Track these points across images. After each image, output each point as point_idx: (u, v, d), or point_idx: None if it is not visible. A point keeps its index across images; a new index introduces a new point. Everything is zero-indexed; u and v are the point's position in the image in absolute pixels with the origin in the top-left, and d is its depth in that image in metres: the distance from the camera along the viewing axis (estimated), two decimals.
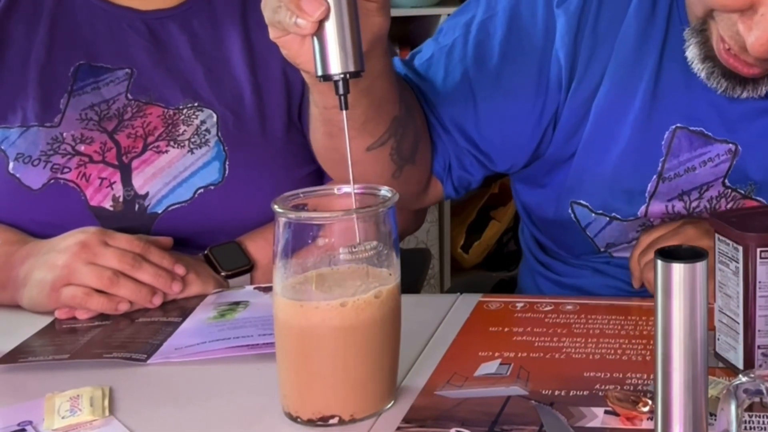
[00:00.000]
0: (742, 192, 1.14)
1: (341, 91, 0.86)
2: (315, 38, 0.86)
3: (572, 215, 1.19)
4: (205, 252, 1.19)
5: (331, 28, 0.85)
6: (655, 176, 1.14)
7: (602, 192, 1.16)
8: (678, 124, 1.14)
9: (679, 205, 1.15)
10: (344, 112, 0.87)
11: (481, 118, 1.17)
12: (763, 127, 1.13)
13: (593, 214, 1.17)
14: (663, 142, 1.14)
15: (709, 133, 1.13)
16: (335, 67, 0.86)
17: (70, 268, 1.08)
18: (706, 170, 1.14)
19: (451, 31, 1.22)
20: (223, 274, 1.17)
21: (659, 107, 1.14)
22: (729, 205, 1.14)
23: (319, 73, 0.87)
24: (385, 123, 1.08)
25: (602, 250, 1.22)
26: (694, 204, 1.14)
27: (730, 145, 1.13)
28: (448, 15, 3.02)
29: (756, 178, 1.14)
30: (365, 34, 0.90)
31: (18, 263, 1.13)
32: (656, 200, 1.15)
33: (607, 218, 1.17)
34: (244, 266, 1.19)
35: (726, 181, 1.14)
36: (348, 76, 0.86)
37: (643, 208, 1.15)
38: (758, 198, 1.14)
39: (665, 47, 1.13)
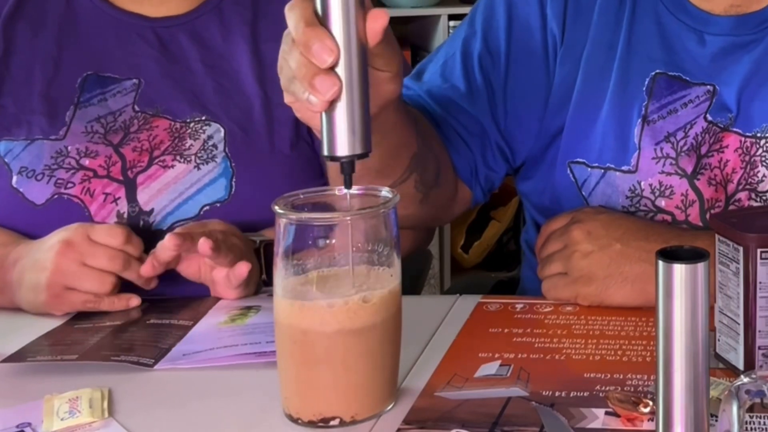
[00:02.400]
0: (721, 126, 1.17)
1: (347, 172, 0.85)
2: (324, 115, 0.84)
3: (571, 176, 1.21)
4: (257, 245, 1.16)
5: (341, 108, 0.84)
6: (639, 120, 1.19)
7: (595, 144, 1.20)
8: (657, 71, 1.20)
9: (667, 147, 1.17)
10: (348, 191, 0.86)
11: (501, 109, 1.23)
12: (734, 63, 1.18)
13: (589, 169, 1.20)
14: (644, 88, 1.19)
15: (687, 78, 1.19)
16: (342, 150, 0.84)
17: (62, 269, 1.08)
18: (688, 110, 1.18)
19: (458, 34, 1.28)
20: (264, 278, 1.16)
21: (636, 58, 1.20)
22: (711, 141, 1.17)
23: (326, 153, 0.85)
24: (404, 164, 1.10)
25: None
26: (681, 143, 1.17)
27: (708, 86, 1.18)
28: (448, 15, 3.05)
29: (734, 109, 1.17)
30: (377, 99, 0.90)
31: (11, 266, 1.13)
32: (645, 144, 1.18)
33: (602, 170, 1.19)
34: None
35: (707, 115, 1.18)
36: (355, 158, 0.85)
37: (635, 156, 1.18)
38: (736, 129, 1.17)
39: (636, 3, 1.22)
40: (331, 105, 0.83)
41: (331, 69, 0.83)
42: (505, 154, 1.25)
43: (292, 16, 0.84)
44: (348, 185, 0.85)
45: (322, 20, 0.83)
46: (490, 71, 1.23)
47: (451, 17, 2.84)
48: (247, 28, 1.30)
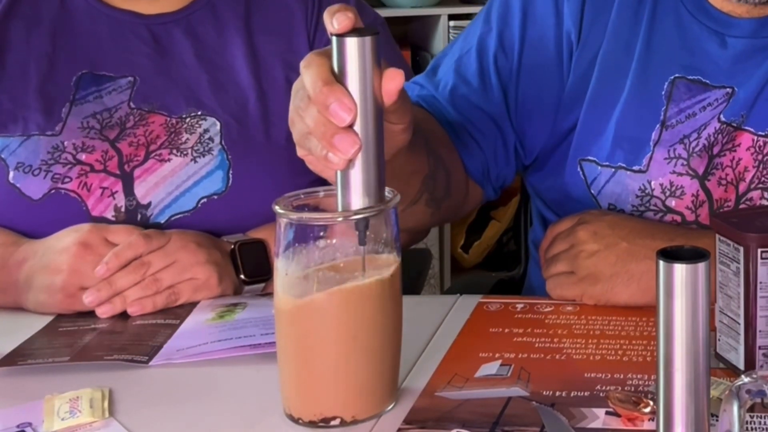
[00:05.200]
0: (735, 125, 1.17)
1: (359, 228, 0.84)
2: (339, 172, 0.84)
3: (581, 173, 1.21)
4: (232, 246, 1.17)
5: (357, 167, 0.83)
6: (658, 125, 1.18)
7: (607, 144, 1.20)
8: (676, 75, 1.19)
9: (680, 148, 1.17)
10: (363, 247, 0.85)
11: (514, 106, 1.23)
12: (755, 66, 1.18)
13: (599, 168, 1.20)
14: (663, 92, 1.19)
15: (707, 81, 1.19)
16: (356, 207, 0.84)
17: (79, 271, 1.09)
18: (706, 113, 1.18)
19: (473, 30, 1.28)
20: (242, 277, 1.16)
21: (655, 60, 1.20)
22: (724, 141, 1.17)
23: (340, 209, 0.85)
24: (415, 188, 1.10)
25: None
26: (693, 144, 1.17)
27: (727, 89, 1.18)
28: (448, 15, 3.05)
29: (747, 108, 1.17)
30: (389, 149, 0.89)
31: (15, 267, 1.12)
32: (659, 147, 1.18)
33: (613, 169, 1.19)
34: (265, 276, 1.17)
35: (721, 116, 1.17)
36: (369, 217, 0.84)
37: (647, 157, 1.18)
38: (748, 128, 1.17)
39: (657, 4, 1.21)
40: (348, 162, 0.83)
41: (350, 127, 0.82)
42: (518, 152, 1.25)
43: (308, 73, 0.83)
44: (362, 242, 0.84)
45: (338, 78, 0.83)
46: (505, 70, 1.23)
47: (451, 17, 2.84)
48: (240, 21, 1.31)
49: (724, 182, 1.16)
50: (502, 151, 1.23)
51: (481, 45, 1.25)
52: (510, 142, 1.23)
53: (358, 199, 0.84)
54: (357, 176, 0.84)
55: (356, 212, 0.84)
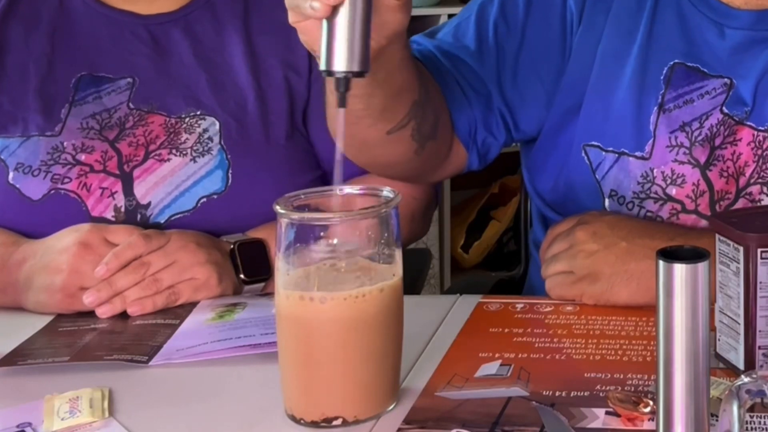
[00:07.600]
0: (737, 119, 1.18)
1: (340, 89, 0.85)
2: (325, 29, 0.84)
3: (585, 159, 1.22)
4: (232, 246, 1.17)
5: (342, 21, 0.84)
6: (656, 108, 1.19)
7: (610, 128, 1.21)
8: (676, 60, 1.21)
9: (681, 136, 1.18)
10: (342, 110, 0.86)
11: (509, 76, 1.23)
12: (753, 57, 1.19)
13: (604, 153, 1.21)
14: (662, 77, 1.20)
15: (705, 70, 1.20)
16: (339, 65, 0.84)
17: (79, 270, 1.09)
18: (704, 102, 1.19)
19: (473, 2, 1.29)
20: (242, 277, 1.16)
21: (656, 47, 1.21)
22: (725, 133, 1.17)
23: (323, 66, 0.85)
24: (405, 108, 1.10)
25: (606, 204, 1.24)
26: (695, 134, 1.18)
27: (725, 79, 1.19)
28: (448, 15, 3.04)
29: (749, 103, 1.18)
30: (384, 30, 0.91)
31: (15, 267, 1.13)
32: (660, 132, 1.19)
33: (616, 154, 1.20)
34: (264, 276, 1.17)
35: (724, 108, 1.18)
36: (351, 75, 0.85)
37: (649, 143, 1.19)
38: (750, 123, 1.17)
39: None
40: (333, 16, 0.83)
41: None
42: (507, 122, 1.25)
43: None
44: (342, 104, 0.85)
45: None
46: (504, 38, 1.24)
47: (451, 17, 2.84)
48: (239, 21, 1.31)
49: (725, 174, 1.16)
50: (492, 115, 1.24)
51: (481, 12, 1.26)
52: (498, 108, 1.23)
53: (341, 56, 0.84)
54: (341, 31, 0.84)
55: (339, 72, 0.83)
